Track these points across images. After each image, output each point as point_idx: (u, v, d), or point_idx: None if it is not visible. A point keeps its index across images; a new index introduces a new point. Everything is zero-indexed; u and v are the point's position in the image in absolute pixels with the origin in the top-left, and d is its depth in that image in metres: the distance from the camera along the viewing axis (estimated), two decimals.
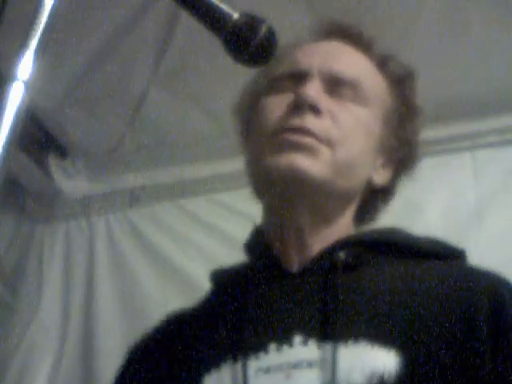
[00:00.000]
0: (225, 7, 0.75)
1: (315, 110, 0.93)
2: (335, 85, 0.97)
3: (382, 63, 1.03)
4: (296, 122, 0.92)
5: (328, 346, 0.81)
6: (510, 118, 1.91)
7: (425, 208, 1.84)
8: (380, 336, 0.81)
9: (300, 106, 0.93)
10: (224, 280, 1.01)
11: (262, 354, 0.83)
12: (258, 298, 0.91)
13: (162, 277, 2.05)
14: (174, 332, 0.98)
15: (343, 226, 0.97)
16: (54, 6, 0.62)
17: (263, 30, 0.75)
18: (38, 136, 2.13)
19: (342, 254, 0.91)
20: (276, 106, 0.96)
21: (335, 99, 0.96)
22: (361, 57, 1.02)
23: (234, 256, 2.02)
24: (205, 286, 2.17)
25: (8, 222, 2.25)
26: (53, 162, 2.21)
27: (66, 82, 1.97)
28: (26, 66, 0.60)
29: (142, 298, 2.05)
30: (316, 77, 0.96)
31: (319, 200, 0.94)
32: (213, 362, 0.86)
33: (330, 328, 0.82)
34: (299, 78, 0.97)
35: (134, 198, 2.21)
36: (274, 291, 0.91)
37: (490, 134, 1.92)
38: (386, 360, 0.78)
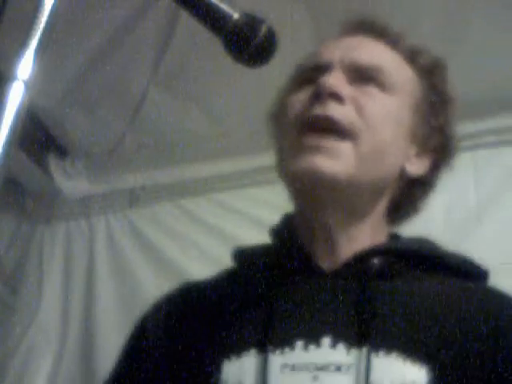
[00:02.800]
0: (225, 7, 0.75)
1: (337, 97, 0.90)
2: (358, 74, 0.94)
3: (411, 56, 1.00)
4: (318, 110, 0.90)
5: (359, 353, 0.79)
6: (509, 118, 1.91)
7: (425, 208, 1.84)
8: (412, 351, 0.79)
9: (321, 95, 0.91)
10: (249, 261, 0.98)
11: (287, 350, 0.81)
12: (287, 291, 0.89)
13: (162, 277, 2.05)
14: (192, 304, 0.95)
15: (375, 222, 0.95)
16: (53, 5, 0.62)
17: (263, 29, 0.75)
18: (37, 136, 2.13)
19: (376, 261, 0.89)
20: (299, 99, 0.95)
21: (359, 88, 0.93)
22: (386, 48, 0.99)
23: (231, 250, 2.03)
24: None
25: (8, 222, 2.25)
26: (53, 161, 2.21)
27: (66, 82, 1.98)
28: (25, 66, 0.60)
29: (141, 298, 2.05)
30: (338, 68, 0.94)
31: (346, 198, 0.91)
32: (234, 349, 0.84)
33: (364, 335, 0.80)
34: (321, 70, 0.95)
35: (134, 197, 2.21)
36: (305, 287, 0.88)
37: (489, 134, 1.92)
38: (417, 377, 0.78)
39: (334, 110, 0.90)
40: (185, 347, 0.89)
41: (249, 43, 0.74)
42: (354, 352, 0.79)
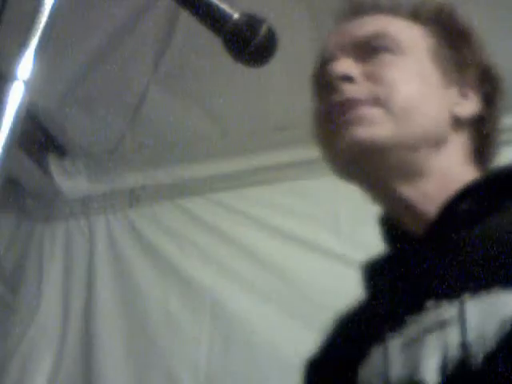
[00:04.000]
0: (225, 7, 0.75)
1: (347, 78, 0.89)
2: (363, 49, 0.93)
3: (413, 14, 0.98)
4: (335, 98, 0.89)
5: (457, 304, 0.77)
6: (509, 118, 1.91)
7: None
8: (510, 278, 0.76)
9: (332, 83, 0.90)
10: (372, 274, 0.98)
11: (402, 329, 0.81)
12: (393, 277, 0.89)
13: (162, 277, 2.06)
14: (341, 333, 0.97)
15: (448, 173, 0.92)
16: (53, 5, 0.62)
17: (263, 29, 0.75)
18: (38, 136, 2.13)
19: (465, 205, 0.86)
20: (319, 97, 0.95)
21: (369, 62, 0.92)
22: (385, 17, 0.97)
23: (233, 255, 2.03)
24: (204, 285, 2.18)
25: (8, 222, 2.25)
26: (53, 161, 2.21)
27: (65, 82, 1.98)
28: (25, 66, 0.60)
29: (141, 298, 2.05)
30: (340, 53, 0.93)
31: (400, 159, 0.89)
32: (363, 354, 0.85)
33: (456, 285, 0.79)
34: (326, 64, 0.93)
35: (134, 198, 2.21)
36: (406, 262, 0.88)
37: None
38: None
39: (350, 91, 0.89)
40: (336, 376, 0.92)
41: (249, 43, 0.74)
42: (456, 304, 0.77)
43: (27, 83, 0.60)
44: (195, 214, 2.13)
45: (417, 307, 0.81)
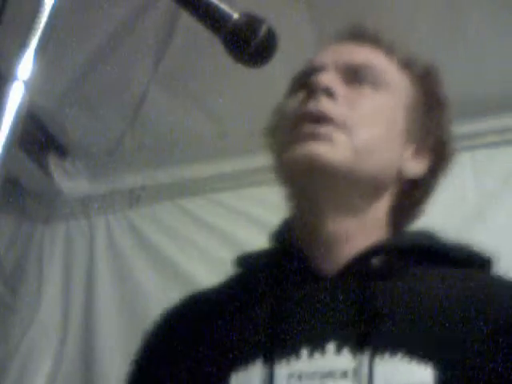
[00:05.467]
0: (225, 7, 0.75)
1: (329, 93, 0.91)
2: (352, 74, 0.95)
3: (404, 62, 1.01)
4: (311, 106, 0.91)
5: (364, 357, 0.78)
6: (509, 118, 1.91)
7: (424, 208, 1.84)
8: (417, 350, 0.78)
9: (314, 91, 0.91)
10: (252, 267, 0.98)
11: (293, 359, 0.81)
12: (289, 297, 0.88)
13: (162, 277, 2.06)
14: (197, 316, 0.95)
15: (375, 224, 0.94)
16: (54, 6, 0.62)
17: (263, 30, 0.75)
18: (37, 136, 2.13)
19: (376, 261, 0.88)
20: (293, 100, 0.96)
21: (353, 88, 0.94)
22: (380, 53, 1.00)
23: (233, 255, 2.03)
24: (204, 285, 2.17)
25: (8, 222, 2.25)
26: (53, 161, 2.21)
27: (66, 82, 1.98)
28: (25, 66, 0.60)
29: (142, 298, 2.05)
30: (331, 68, 0.95)
31: (343, 190, 0.91)
32: (241, 361, 0.84)
33: (367, 338, 0.80)
34: (315, 72, 0.95)
35: (134, 197, 2.21)
36: (306, 292, 0.88)
37: (489, 134, 1.92)
38: (423, 375, 0.77)
39: (327, 105, 0.91)
40: (192, 362, 0.89)
41: (249, 43, 0.74)
42: (360, 357, 0.79)
43: (27, 83, 0.60)
44: (195, 214, 2.13)
45: (314, 344, 0.81)
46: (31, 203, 2.26)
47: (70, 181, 2.24)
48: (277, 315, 0.86)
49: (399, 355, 0.78)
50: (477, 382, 0.78)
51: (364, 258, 0.89)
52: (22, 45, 0.61)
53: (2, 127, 0.57)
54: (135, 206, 2.20)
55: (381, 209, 0.96)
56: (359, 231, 0.92)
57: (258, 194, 2.08)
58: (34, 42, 0.61)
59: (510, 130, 1.92)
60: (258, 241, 2.24)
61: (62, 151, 2.23)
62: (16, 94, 0.59)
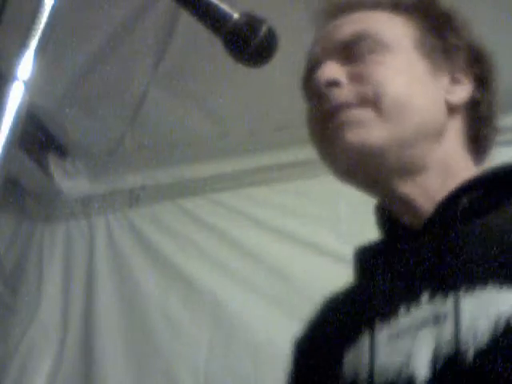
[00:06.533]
0: (225, 7, 0.75)
1: (334, 83, 0.89)
2: (347, 50, 0.92)
3: (394, 5, 0.97)
4: (325, 106, 0.89)
5: (450, 298, 0.77)
6: (509, 118, 1.91)
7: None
8: (506, 276, 0.75)
9: (319, 90, 0.89)
10: (364, 258, 0.98)
11: (392, 320, 0.81)
12: (386, 265, 0.88)
13: (162, 277, 2.06)
14: (329, 315, 0.97)
15: (446, 164, 0.91)
16: (53, 6, 0.62)
17: (263, 29, 0.75)
18: (37, 136, 2.13)
19: (462, 201, 0.85)
20: (310, 102, 0.94)
21: (355, 63, 0.91)
22: (365, 14, 0.96)
23: (233, 255, 2.04)
24: (204, 285, 2.18)
25: (8, 222, 2.25)
26: (53, 161, 2.21)
27: (65, 82, 1.98)
28: (25, 66, 0.60)
29: (141, 298, 2.05)
30: (324, 59, 0.93)
31: (396, 158, 0.88)
32: (350, 338, 0.85)
33: (451, 280, 0.78)
34: (313, 70, 0.93)
35: (134, 197, 2.21)
36: (401, 254, 0.87)
37: None
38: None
39: (338, 96, 0.89)
40: (322, 356, 0.91)
41: (249, 43, 0.74)
42: (449, 298, 0.77)
43: (27, 83, 0.60)
44: (195, 214, 2.13)
45: (410, 299, 0.81)
46: (31, 203, 2.26)
47: (69, 181, 2.24)
48: (376, 283, 0.87)
49: (489, 286, 0.75)
50: None
51: (450, 200, 0.86)
52: (22, 45, 0.61)
53: (2, 127, 0.57)
54: (135, 205, 2.20)
55: (450, 146, 0.93)
56: (436, 181, 0.90)
57: (258, 193, 2.08)
58: (33, 42, 0.61)
59: (510, 130, 1.91)
60: (258, 241, 2.24)
61: (61, 151, 2.23)
62: (16, 94, 0.59)
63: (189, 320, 1.99)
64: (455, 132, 0.94)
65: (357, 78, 0.90)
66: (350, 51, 0.92)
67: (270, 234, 2.01)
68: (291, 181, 2.05)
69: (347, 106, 0.88)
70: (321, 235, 1.98)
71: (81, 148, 2.22)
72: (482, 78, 0.97)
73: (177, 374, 1.93)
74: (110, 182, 2.23)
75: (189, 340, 1.96)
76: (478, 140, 0.98)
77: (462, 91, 0.94)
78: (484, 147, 0.99)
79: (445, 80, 0.93)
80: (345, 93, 0.89)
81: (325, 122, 0.90)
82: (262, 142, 2.09)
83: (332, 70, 0.91)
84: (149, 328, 2.00)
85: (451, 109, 0.93)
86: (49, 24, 0.62)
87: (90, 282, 2.11)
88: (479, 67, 0.96)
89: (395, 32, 0.94)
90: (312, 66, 0.95)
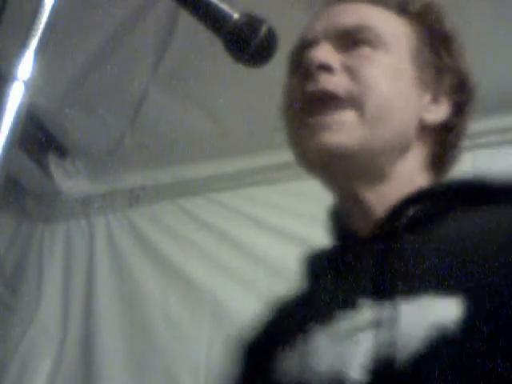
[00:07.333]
0: (225, 7, 0.75)
1: (326, 67, 0.88)
2: (346, 39, 0.91)
3: (399, 7, 0.96)
4: (310, 86, 0.88)
5: (388, 304, 0.78)
6: (510, 118, 1.91)
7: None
8: (444, 285, 0.76)
9: (310, 70, 0.88)
10: (312, 264, 1.01)
11: (330, 324, 0.82)
12: (332, 271, 0.90)
13: (162, 277, 2.06)
14: (274, 318, 0.99)
15: (407, 178, 0.92)
16: (54, 6, 0.62)
17: (263, 30, 0.75)
18: (37, 136, 2.13)
19: (411, 209, 0.86)
20: (292, 82, 0.93)
21: (350, 53, 0.90)
22: (371, 7, 0.95)
23: (233, 255, 2.04)
24: (204, 285, 2.18)
25: (8, 222, 2.25)
26: (53, 161, 2.21)
27: (66, 82, 1.98)
28: (26, 66, 0.60)
29: (141, 298, 2.05)
30: (323, 39, 0.91)
31: (364, 164, 0.89)
32: (287, 343, 0.86)
33: (391, 287, 0.79)
34: (308, 47, 0.91)
35: (134, 197, 2.21)
36: (347, 260, 0.89)
37: (489, 134, 1.92)
38: (448, 308, 0.74)
39: (327, 82, 0.88)
40: (260, 360, 0.92)
41: (249, 43, 0.74)
42: (387, 306, 0.78)
43: (27, 83, 0.60)
44: (195, 214, 2.13)
45: (350, 304, 0.81)
46: (31, 203, 2.26)
47: (69, 181, 2.24)
48: (317, 290, 0.89)
49: (425, 295, 0.76)
50: (507, 310, 0.74)
51: (400, 207, 0.87)
52: (22, 45, 0.61)
53: (2, 127, 0.57)
54: (135, 205, 2.20)
55: (413, 163, 0.93)
56: (393, 189, 0.90)
57: (258, 194, 2.08)
58: (34, 42, 0.61)
59: (510, 130, 1.92)
60: (258, 241, 2.24)
61: (61, 151, 2.23)
62: (16, 94, 0.59)
63: (189, 319, 1.99)
64: (420, 151, 0.94)
65: (348, 70, 0.89)
66: (349, 39, 0.91)
67: (269, 234, 2.01)
68: (291, 181, 2.05)
69: (332, 97, 0.87)
70: (321, 235, 1.97)
71: (81, 148, 2.22)
72: (461, 106, 0.97)
73: (177, 373, 1.93)
74: (109, 182, 2.23)
75: (189, 339, 1.96)
76: (441, 164, 0.98)
77: (439, 113, 0.94)
78: (446, 169, 0.99)
79: (426, 97, 0.93)
80: (334, 81, 0.88)
81: (305, 111, 0.89)
82: (262, 142, 2.09)
83: (328, 54, 0.90)
84: (149, 328, 2.00)
85: (423, 127, 0.93)
86: (49, 24, 0.62)
87: (90, 282, 2.11)
88: (462, 94, 0.96)
89: (396, 34, 0.94)
90: (307, 42, 0.93)
